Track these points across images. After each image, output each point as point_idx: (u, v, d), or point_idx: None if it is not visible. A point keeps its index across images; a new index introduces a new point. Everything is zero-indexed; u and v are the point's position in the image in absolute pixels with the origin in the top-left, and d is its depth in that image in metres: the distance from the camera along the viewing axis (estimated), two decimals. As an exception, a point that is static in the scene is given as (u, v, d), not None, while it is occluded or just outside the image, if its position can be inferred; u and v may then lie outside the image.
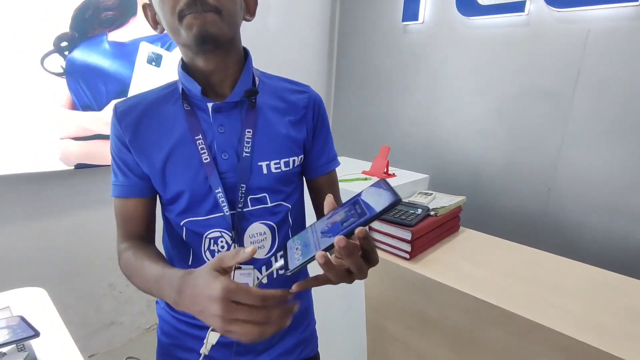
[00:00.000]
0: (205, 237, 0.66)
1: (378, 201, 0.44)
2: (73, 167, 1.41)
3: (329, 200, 0.49)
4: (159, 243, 0.73)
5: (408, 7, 1.95)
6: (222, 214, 0.65)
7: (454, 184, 1.93)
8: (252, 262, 0.67)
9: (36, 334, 0.72)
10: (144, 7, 0.65)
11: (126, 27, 1.45)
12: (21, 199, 1.40)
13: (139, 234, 0.69)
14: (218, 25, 0.56)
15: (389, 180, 1.23)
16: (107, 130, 1.46)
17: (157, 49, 1.54)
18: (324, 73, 2.40)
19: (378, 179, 0.49)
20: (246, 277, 0.66)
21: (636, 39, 1.38)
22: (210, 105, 0.63)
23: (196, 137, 0.63)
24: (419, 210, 1.19)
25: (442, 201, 1.31)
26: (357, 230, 0.42)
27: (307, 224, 0.57)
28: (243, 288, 0.44)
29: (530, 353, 0.91)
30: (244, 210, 0.66)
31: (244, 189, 0.65)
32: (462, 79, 1.84)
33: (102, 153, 1.47)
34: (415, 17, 1.93)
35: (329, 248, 0.43)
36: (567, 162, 1.58)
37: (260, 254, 0.68)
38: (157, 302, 0.80)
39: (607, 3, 1.39)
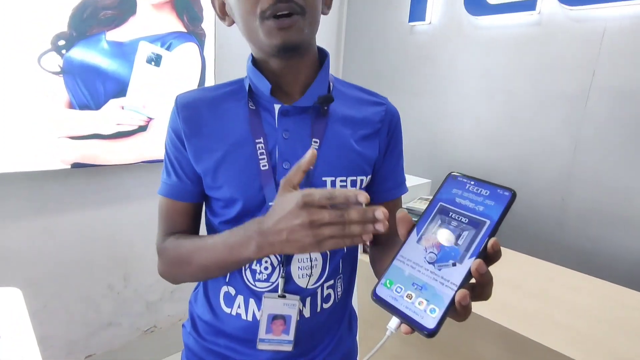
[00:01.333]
0: None
1: (483, 200, 0.35)
2: (69, 167, 1.40)
3: (404, 216, 0.39)
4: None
5: (415, 7, 1.89)
6: None
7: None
8: (298, 291, 0.61)
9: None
10: None
11: (125, 26, 1.44)
12: (18, 197, 1.40)
13: (186, 231, 0.65)
14: (302, 32, 0.52)
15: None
16: (104, 130, 1.45)
17: (157, 49, 1.52)
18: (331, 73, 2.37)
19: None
20: (290, 309, 0.60)
21: (656, 39, 1.29)
22: (277, 107, 0.58)
23: (257, 140, 0.57)
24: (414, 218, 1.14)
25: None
26: (489, 245, 0.33)
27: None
28: (315, 189, 0.43)
29: (531, 375, 0.84)
30: None
31: None
32: (471, 82, 1.77)
33: (99, 153, 1.46)
34: (422, 17, 1.87)
35: (465, 281, 0.33)
36: (581, 170, 1.49)
37: (308, 284, 0.61)
38: (183, 326, 0.74)
39: (622, 0, 1.31)
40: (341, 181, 0.59)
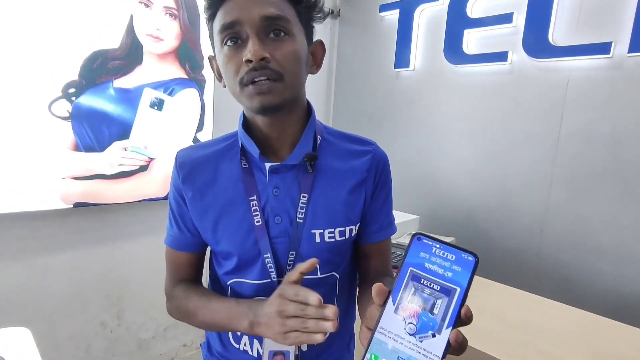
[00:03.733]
0: None
1: (450, 265, 0.37)
2: (72, 206, 1.45)
3: (379, 289, 0.40)
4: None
5: (400, 55, 2.06)
6: (269, 280, 0.63)
7: (445, 225, 1.94)
8: None
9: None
10: (210, 59, 0.65)
11: (132, 74, 1.55)
12: (18, 237, 1.44)
13: (189, 279, 0.71)
14: (280, 95, 0.55)
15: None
16: (107, 170, 1.52)
17: (160, 94, 1.63)
18: (322, 115, 2.49)
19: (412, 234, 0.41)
20: (287, 346, 0.64)
21: (612, 87, 1.44)
22: (268, 165, 0.61)
23: (250, 199, 0.61)
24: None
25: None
26: (463, 314, 0.36)
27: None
28: (290, 285, 0.53)
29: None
30: None
31: (293, 256, 0.62)
32: (453, 123, 1.91)
33: (101, 192, 1.52)
34: (406, 64, 2.03)
35: (446, 350, 0.35)
36: (557, 204, 1.60)
37: None
38: (201, 345, 0.80)
39: (583, 55, 1.48)
40: (329, 233, 0.63)
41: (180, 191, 0.65)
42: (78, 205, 1.47)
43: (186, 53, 1.69)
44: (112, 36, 1.47)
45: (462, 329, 0.36)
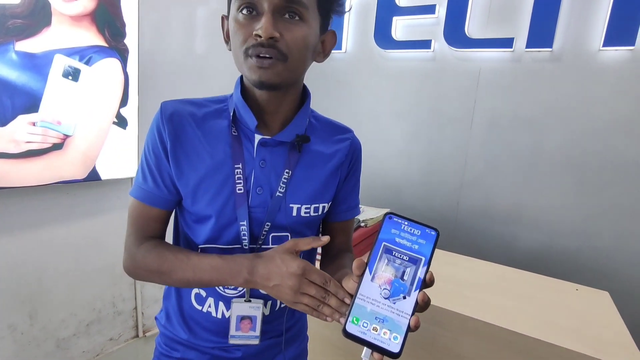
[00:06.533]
0: None
1: (416, 239, 0.43)
2: (-33, 191, 1.22)
3: (359, 262, 0.46)
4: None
5: (332, 37, 2.11)
6: (240, 246, 0.65)
7: (377, 201, 2.09)
8: (262, 296, 0.69)
9: None
10: (223, 18, 0.64)
11: (38, 37, 1.33)
12: None
13: (156, 236, 0.67)
14: (281, 75, 0.56)
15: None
16: (11, 149, 1.31)
17: (75, 63, 1.43)
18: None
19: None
20: (255, 310, 0.68)
21: (513, 78, 1.69)
22: (258, 137, 0.63)
23: (236, 165, 0.62)
24: (351, 224, 1.29)
25: (370, 214, 1.43)
26: (427, 278, 0.43)
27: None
28: (316, 269, 0.54)
29: (450, 340, 1.04)
30: (263, 246, 0.66)
31: (268, 226, 0.65)
32: (382, 105, 2.04)
33: (5, 173, 1.30)
34: (339, 46, 2.09)
35: (415, 309, 0.42)
36: (470, 180, 1.84)
37: None
38: (156, 318, 0.79)
39: (491, 47, 1.70)
40: (306, 208, 0.67)
41: (164, 144, 0.62)
42: (-25, 189, 1.24)
43: (105, 18, 1.50)
44: (11, -11, 1.24)
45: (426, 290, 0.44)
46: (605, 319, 1.05)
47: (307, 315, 0.86)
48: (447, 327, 1.05)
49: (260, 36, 0.53)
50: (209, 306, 0.70)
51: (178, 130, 0.62)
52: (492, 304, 1.09)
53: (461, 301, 1.08)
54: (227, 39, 0.63)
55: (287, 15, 0.55)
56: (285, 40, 0.55)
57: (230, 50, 0.61)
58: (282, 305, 0.73)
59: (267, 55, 0.54)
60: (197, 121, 0.63)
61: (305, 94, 0.69)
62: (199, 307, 0.71)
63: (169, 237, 0.72)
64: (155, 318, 0.80)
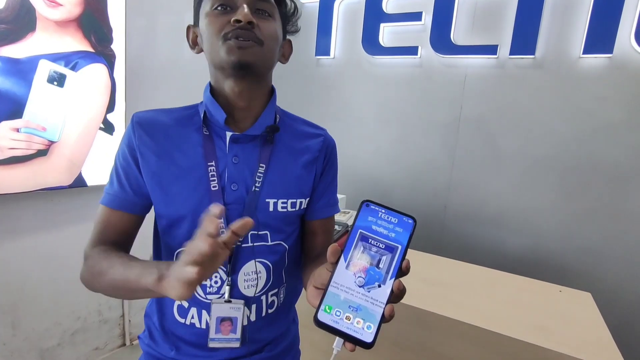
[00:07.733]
0: None
1: (393, 227, 0.42)
2: (-53, 198, 1.20)
3: (334, 249, 0.43)
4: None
5: (320, 43, 2.13)
6: None
7: (366, 203, 2.11)
8: (243, 297, 0.67)
9: None
10: (188, 27, 0.68)
11: (22, 42, 1.31)
12: None
13: (114, 243, 0.65)
14: (256, 56, 0.59)
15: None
16: (-6, 155, 1.28)
17: (60, 68, 1.42)
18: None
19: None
20: (236, 311, 0.66)
21: (498, 84, 1.73)
22: (229, 134, 0.64)
23: (209, 164, 0.63)
24: (339, 227, 1.30)
25: (359, 219, 1.45)
26: (403, 266, 0.42)
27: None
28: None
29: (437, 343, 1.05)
30: (243, 245, 0.65)
31: None
32: (370, 110, 2.06)
33: (-13, 181, 1.28)
34: (327, 52, 2.11)
35: (389, 298, 0.40)
36: (457, 184, 1.87)
37: (252, 292, 0.68)
38: (139, 337, 0.75)
39: (476, 54, 1.73)
40: (282, 203, 0.67)
41: (132, 151, 0.64)
42: (-45, 197, 1.22)
43: (91, 23, 1.49)
44: (-6, -6, 1.23)
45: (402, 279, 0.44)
46: (587, 320, 1.07)
47: (299, 328, 0.86)
48: (434, 330, 1.06)
49: (239, 21, 0.57)
50: (192, 317, 0.69)
51: (148, 136, 0.64)
52: (479, 307, 1.10)
53: (448, 304, 1.10)
54: (193, 44, 0.67)
55: (259, 13, 0.61)
56: (260, 29, 0.59)
57: (197, 53, 0.66)
58: (270, 311, 0.72)
59: (246, 39, 0.58)
60: (168, 126, 0.65)
61: (271, 92, 0.71)
62: (182, 320, 0.69)
63: (150, 250, 0.71)
64: (139, 337, 0.77)
